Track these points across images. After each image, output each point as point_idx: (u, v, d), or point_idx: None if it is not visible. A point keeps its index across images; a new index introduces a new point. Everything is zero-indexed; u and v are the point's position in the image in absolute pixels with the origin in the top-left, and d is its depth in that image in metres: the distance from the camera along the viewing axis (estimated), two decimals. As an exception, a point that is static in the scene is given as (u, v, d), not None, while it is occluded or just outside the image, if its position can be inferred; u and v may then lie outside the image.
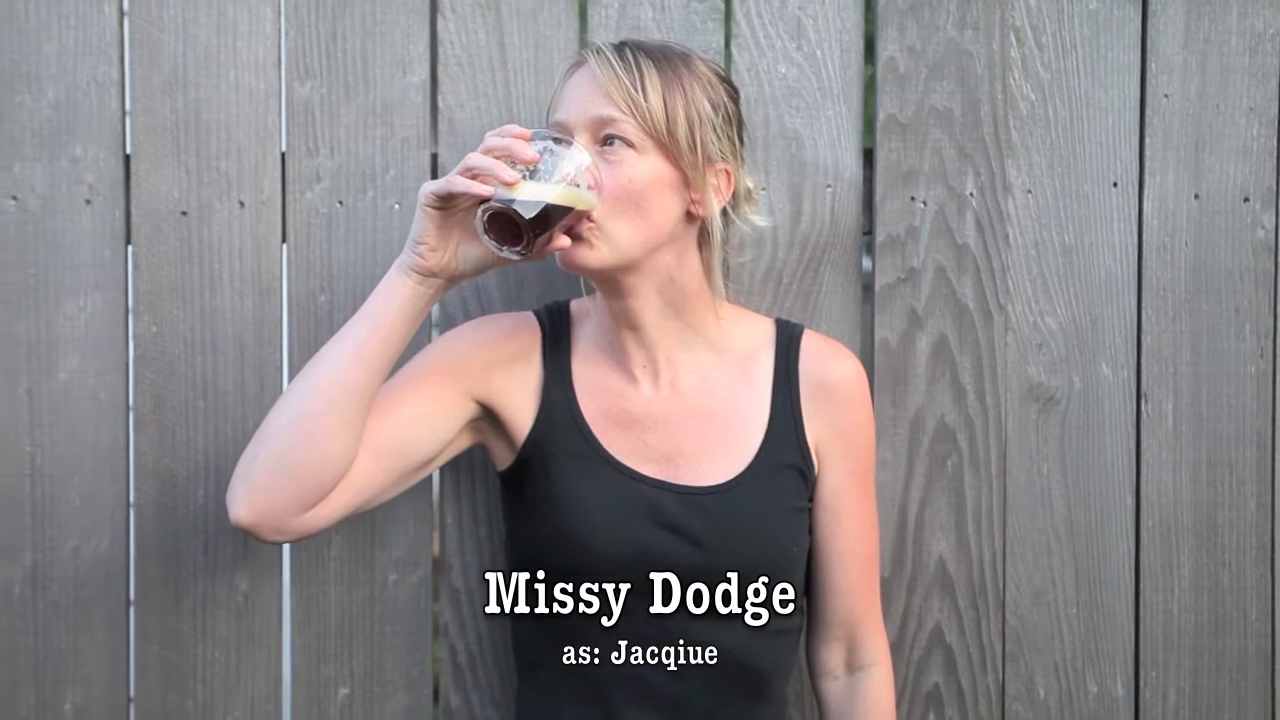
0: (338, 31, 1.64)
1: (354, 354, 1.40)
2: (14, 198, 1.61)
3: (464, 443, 1.55)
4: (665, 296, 1.49)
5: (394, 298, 1.41)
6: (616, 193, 1.42)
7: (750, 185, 1.57)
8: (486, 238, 1.36)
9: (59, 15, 1.60)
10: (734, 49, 1.70)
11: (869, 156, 1.73)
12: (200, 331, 1.64)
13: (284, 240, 1.65)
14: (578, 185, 1.38)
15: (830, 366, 1.54)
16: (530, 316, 1.58)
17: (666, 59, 1.46)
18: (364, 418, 1.41)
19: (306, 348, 1.63)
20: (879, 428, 1.71)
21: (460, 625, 1.70)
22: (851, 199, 1.72)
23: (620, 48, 1.46)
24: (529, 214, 1.33)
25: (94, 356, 1.62)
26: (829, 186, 1.71)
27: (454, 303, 1.67)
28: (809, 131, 1.71)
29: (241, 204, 1.63)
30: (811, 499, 1.54)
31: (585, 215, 1.40)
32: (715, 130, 1.46)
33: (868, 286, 1.73)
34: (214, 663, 1.66)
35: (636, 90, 1.42)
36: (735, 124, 1.50)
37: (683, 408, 1.52)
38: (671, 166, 1.44)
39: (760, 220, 1.61)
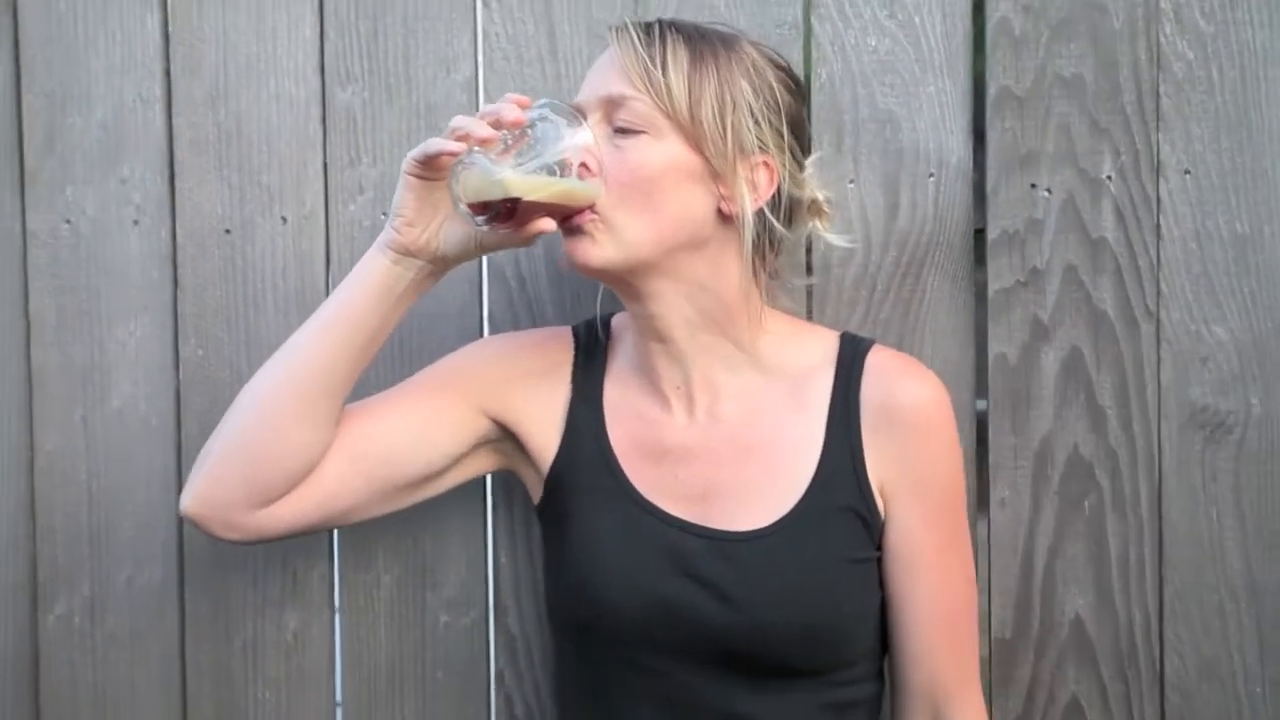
0: (378, 30, 1.54)
1: (317, 336, 1.30)
2: (67, 221, 1.60)
3: (481, 465, 1.41)
4: (697, 306, 1.30)
5: (367, 277, 1.29)
6: (624, 179, 1.24)
7: (819, 196, 1.35)
8: (459, 205, 1.21)
9: (105, 31, 1.58)
10: (814, 21, 1.49)
11: (979, 138, 1.48)
12: (245, 355, 1.56)
13: (327, 258, 1.57)
14: (569, 164, 1.22)
15: (897, 388, 1.30)
16: (566, 331, 1.42)
17: (702, 36, 1.28)
18: (327, 409, 1.29)
19: (353, 371, 1.55)
20: (996, 460, 1.46)
21: (517, 675, 1.56)
22: (959, 189, 1.47)
23: (650, 25, 1.28)
24: (495, 175, 1.18)
25: (145, 382, 1.59)
26: (931, 175, 1.48)
27: (503, 314, 1.53)
28: (905, 112, 1.48)
29: (284, 219, 1.57)
30: (880, 547, 1.32)
31: (587, 206, 1.24)
32: (753, 116, 1.27)
33: (981, 293, 1.49)
34: (264, 703, 1.59)
35: (655, 66, 1.24)
36: (785, 117, 1.29)
37: (721, 437, 1.33)
38: (695, 154, 1.25)
39: (836, 239, 1.40)
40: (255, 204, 1.57)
